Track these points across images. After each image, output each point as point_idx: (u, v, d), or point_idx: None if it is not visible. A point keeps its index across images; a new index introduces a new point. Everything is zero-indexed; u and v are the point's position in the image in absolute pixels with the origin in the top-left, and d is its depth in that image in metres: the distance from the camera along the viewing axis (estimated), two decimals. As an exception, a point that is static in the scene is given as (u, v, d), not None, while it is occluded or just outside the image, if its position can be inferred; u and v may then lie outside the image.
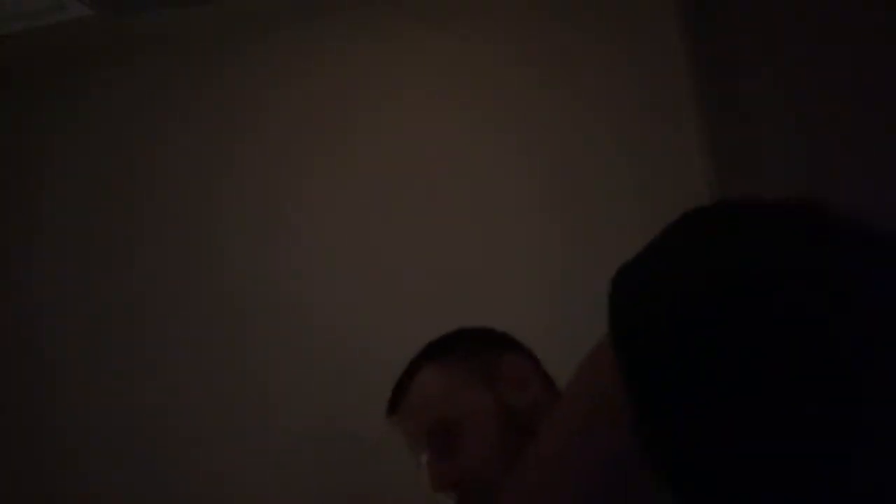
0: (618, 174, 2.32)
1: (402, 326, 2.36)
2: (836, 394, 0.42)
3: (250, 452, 2.40)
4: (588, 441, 0.53)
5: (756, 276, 0.45)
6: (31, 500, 2.49)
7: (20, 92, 2.64)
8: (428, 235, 2.40)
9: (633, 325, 0.50)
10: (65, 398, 2.52)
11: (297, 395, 2.40)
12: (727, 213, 0.49)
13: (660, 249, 0.50)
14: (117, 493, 2.43)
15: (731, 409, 0.45)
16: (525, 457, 0.58)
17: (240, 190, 2.52)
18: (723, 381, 0.45)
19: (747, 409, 0.44)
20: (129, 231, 2.55)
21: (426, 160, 2.43)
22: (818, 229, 0.47)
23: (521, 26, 2.42)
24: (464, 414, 1.13)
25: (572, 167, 2.35)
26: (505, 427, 1.11)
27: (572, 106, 2.37)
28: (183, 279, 2.51)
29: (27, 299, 2.59)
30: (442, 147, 2.43)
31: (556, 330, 1.96)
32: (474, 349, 1.20)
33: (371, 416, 2.36)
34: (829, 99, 1.25)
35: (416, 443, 1.17)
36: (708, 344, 0.45)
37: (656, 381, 0.47)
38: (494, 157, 2.40)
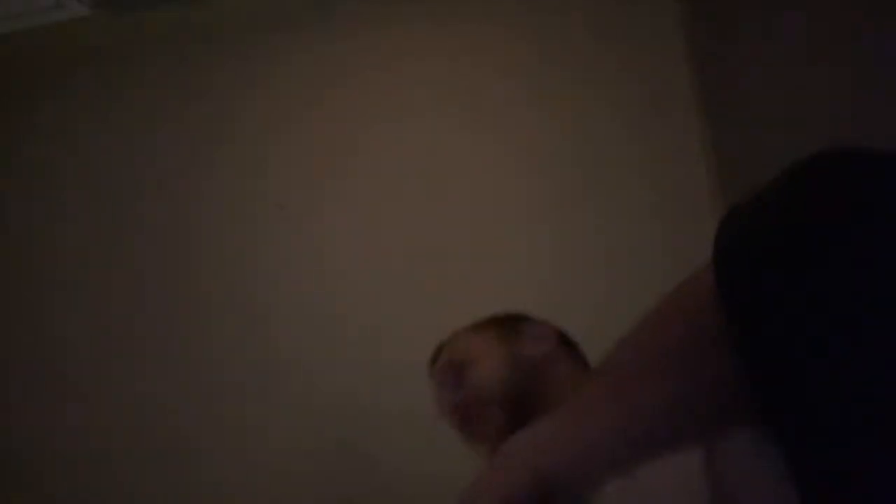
0: (618, 175, 2.32)
1: (406, 332, 2.36)
2: None
3: (249, 458, 2.39)
4: (675, 357, 0.54)
5: (863, 217, 0.44)
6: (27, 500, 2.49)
7: (19, 91, 2.64)
8: (429, 237, 2.40)
9: (734, 254, 0.49)
10: (66, 397, 2.51)
11: (296, 396, 2.39)
12: (845, 159, 0.49)
13: (771, 189, 0.50)
14: (115, 494, 2.43)
15: (829, 343, 0.44)
16: (607, 360, 0.61)
17: (240, 190, 2.51)
18: (822, 312, 0.44)
19: (842, 345, 0.44)
20: (129, 231, 2.54)
21: (429, 161, 2.43)
22: None
23: (520, 25, 2.41)
24: (476, 356, 1.36)
25: (573, 167, 2.35)
26: (512, 368, 1.32)
27: (573, 107, 2.36)
28: (184, 281, 2.50)
29: (26, 300, 2.58)
30: (444, 148, 2.42)
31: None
32: (505, 321, 1.42)
33: (369, 424, 2.37)
34: (831, 97, 1.24)
35: (439, 388, 1.41)
36: (806, 276, 0.45)
37: (755, 309, 0.47)
38: (495, 157, 2.39)
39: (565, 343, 1.42)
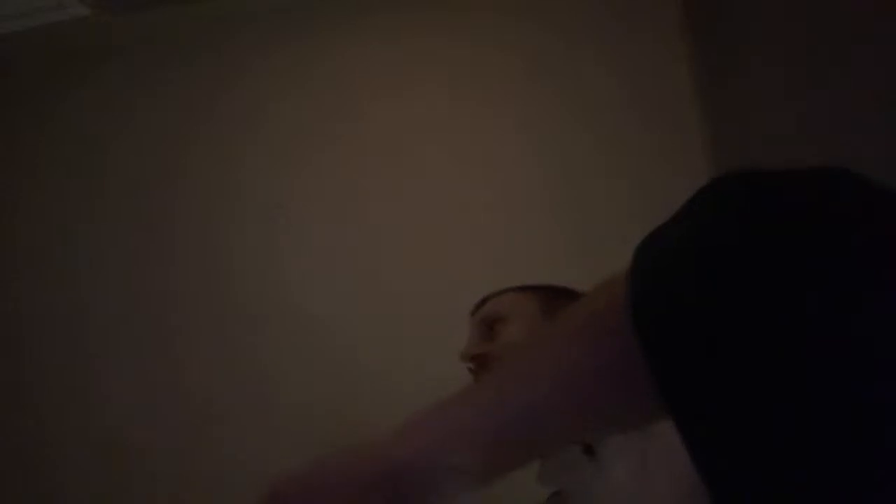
0: (618, 175, 2.32)
1: (401, 328, 2.36)
2: (847, 366, 0.41)
3: (254, 440, 2.40)
4: (577, 341, 0.53)
5: (769, 242, 0.44)
6: (33, 495, 2.49)
7: (18, 91, 2.64)
8: (427, 235, 2.40)
9: (646, 277, 0.49)
10: (58, 394, 2.51)
11: (296, 394, 2.39)
12: (753, 181, 0.48)
13: (682, 214, 0.50)
14: (121, 481, 2.43)
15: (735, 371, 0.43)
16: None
17: (240, 189, 2.51)
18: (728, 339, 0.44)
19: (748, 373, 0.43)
20: (127, 230, 2.55)
21: (427, 161, 2.43)
22: (844, 198, 0.45)
23: (521, 26, 2.41)
24: (512, 316, 1.34)
25: (572, 168, 2.35)
26: None
27: (573, 106, 2.37)
28: (182, 278, 2.50)
29: (24, 298, 2.58)
30: (443, 148, 2.43)
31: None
32: (553, 290, 1.38)
33: (366, 411, 2.37)
34: (831, 97, 1.24)
35: (471, 335, 1.38)
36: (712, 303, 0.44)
37: (664, 329, 0.46)
38: (494, 158, 2.40)
39: None
